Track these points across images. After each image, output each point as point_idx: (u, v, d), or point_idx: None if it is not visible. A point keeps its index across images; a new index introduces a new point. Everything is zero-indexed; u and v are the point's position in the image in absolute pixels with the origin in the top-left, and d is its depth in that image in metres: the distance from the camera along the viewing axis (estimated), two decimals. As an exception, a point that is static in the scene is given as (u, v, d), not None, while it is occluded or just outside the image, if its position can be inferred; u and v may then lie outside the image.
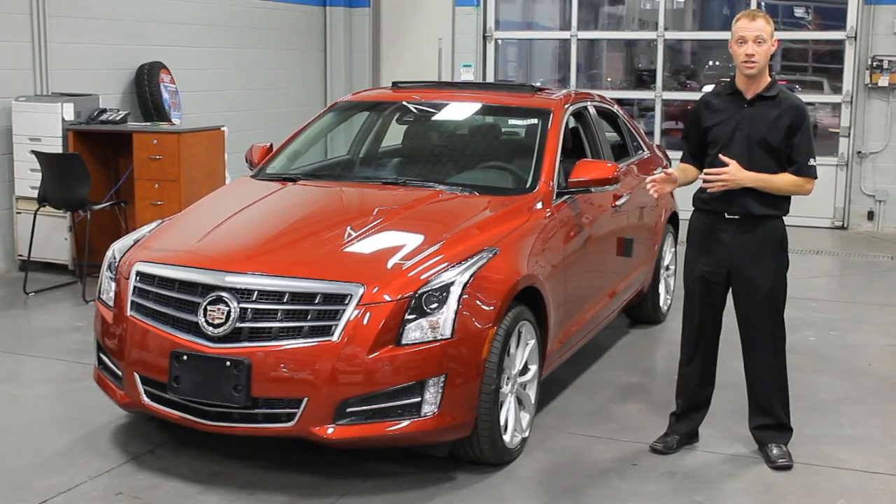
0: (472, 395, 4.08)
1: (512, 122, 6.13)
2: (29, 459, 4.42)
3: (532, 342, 4.52)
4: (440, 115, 6.05)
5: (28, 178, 7.76)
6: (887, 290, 8.10)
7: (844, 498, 4.17)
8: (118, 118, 7.85)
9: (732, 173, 4.27)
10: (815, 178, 4.40)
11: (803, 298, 7.35)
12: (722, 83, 4.61)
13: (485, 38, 11.90)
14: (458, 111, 6.03)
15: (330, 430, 3.96)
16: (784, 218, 4.45)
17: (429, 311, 4.01)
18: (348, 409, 3.95)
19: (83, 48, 8.52)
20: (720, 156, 4.33)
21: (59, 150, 7.66)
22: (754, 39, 4.28)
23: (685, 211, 5.16)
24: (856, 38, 10.48)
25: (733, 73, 4.47)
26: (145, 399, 4.25)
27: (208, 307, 4.07)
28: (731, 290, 4.51)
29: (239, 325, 4.02)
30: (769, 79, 4.41)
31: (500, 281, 4.26)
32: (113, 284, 4.51)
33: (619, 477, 4.32)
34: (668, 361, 5.85)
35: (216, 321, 4.03)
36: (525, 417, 4.52)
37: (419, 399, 3.98)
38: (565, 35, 11.83)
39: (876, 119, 10.49)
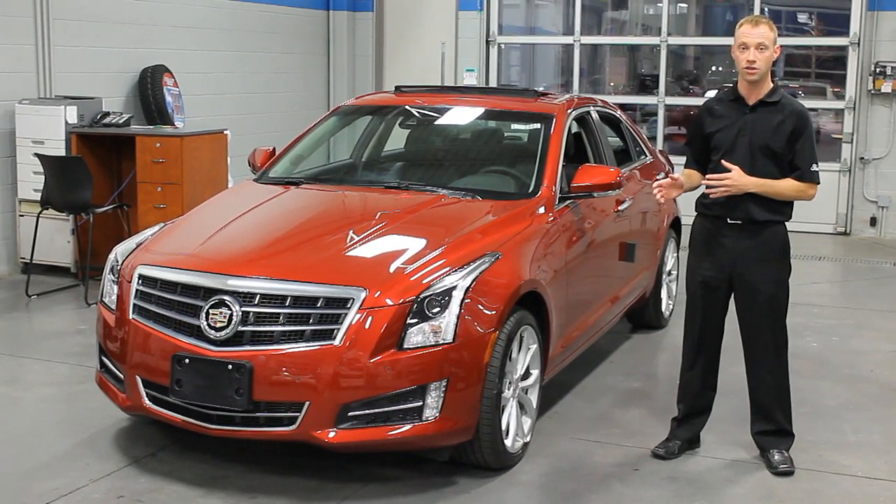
0: (473, 400, 4.08)
1: (515, 126, 6.14)
2: (30, 462, 4.42)
3: (534, 347, 4.52)
4: (443, 120, 6.05)
5: (31, 181, 7.77)
6: (890, 296, 8.09)
7: (846, 504, 4.16)
8: (121, 121, 7.87)
9: (735, 178, 4.26)
10: (818, 183, 4.40)
11: (806, 304, 7.35)
12: (725, 89, 4.61)
13: (488, 42, 11.91)
14: (461, 115, 6.03)
15: (331, 434, 3.95)
16: (786, 223, 4.45)
17: (431, 315, 4.01)
18: (350, 413, 3.95)
19: (86, 51, 8.54)
20: (723, 161, 4.33)
21: (63, 152, 7.67)
22: (756, 46, 4.28)
23: (688, 216, 5.16)
24: (859, 44, 10.48)
25: (736, 79, 4.48)
26: (147, 402, 4.25)
27: (210, 310, 4.07)
28: (733, 296, 4.51)
29: (241, 328, 4.02)
30: (771, 84, 4.41)
31: (502, 285, 4.25)
32: (115, 287, 4.51)
33: (621, 482, 4.32)
34: (669, 367, 5.85)
35: (218, 325, 4.04)
36: (527, 422, 4.51)
37: (421, 403, 3.98)
38: (568, 40, 11.83)
39: (879, 125, 10.49)
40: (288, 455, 4.40)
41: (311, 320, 4.00)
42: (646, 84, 12.33)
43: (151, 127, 8.52)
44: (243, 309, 4.04)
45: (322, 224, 4.82)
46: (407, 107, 6.06)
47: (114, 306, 4.47)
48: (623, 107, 8.14)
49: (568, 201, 5.13)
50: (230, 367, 3.97)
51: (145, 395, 4.25)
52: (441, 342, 3.99)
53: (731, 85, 4.54)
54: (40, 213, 7.48)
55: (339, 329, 3.96)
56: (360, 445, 4.03)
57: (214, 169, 7.92)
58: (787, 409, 4.53)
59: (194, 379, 4.05)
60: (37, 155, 7.48)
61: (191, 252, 4.48)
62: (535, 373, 4.58)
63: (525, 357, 4.46)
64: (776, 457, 4.46)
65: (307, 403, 3.94)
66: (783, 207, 4.41)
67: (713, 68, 12.95)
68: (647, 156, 6.86)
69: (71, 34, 8.33)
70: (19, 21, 7.94)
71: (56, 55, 8.19)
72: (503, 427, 4.27)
